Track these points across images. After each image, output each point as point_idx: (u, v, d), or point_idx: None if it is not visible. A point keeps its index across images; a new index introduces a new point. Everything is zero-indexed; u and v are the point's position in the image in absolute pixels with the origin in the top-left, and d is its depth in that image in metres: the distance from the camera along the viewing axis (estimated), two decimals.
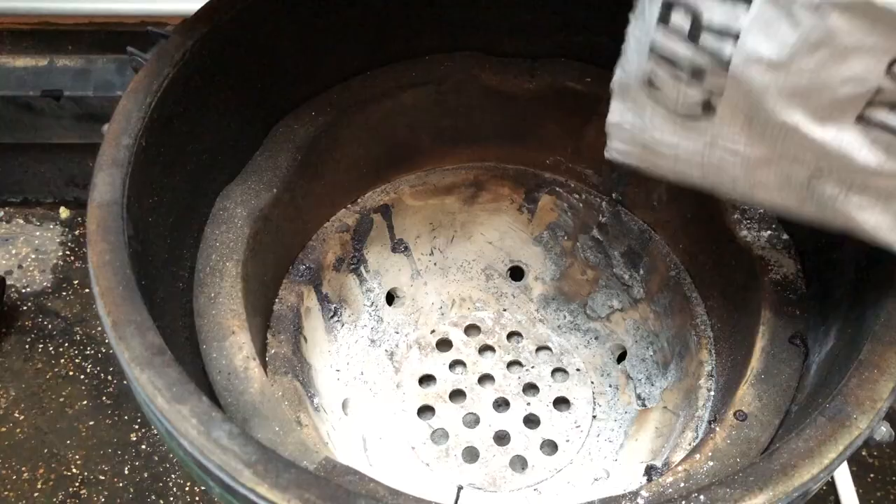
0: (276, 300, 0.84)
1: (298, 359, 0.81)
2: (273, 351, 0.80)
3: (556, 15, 0.86)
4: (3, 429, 1.13)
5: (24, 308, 1.26)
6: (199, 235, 0.74)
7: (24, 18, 1.27)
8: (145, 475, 1.09)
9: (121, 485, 1.08)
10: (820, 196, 0.54)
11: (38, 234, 1.36)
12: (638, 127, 0.58)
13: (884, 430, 0.54)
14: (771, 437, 0.64)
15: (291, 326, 0.82)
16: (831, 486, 1.07)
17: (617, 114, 0.59)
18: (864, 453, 1.13)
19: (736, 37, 0.48)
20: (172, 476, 1.09)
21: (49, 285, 1.29)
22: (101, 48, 1.27)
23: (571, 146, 0.91)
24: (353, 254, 0.93)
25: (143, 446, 1.12)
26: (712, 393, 0.79)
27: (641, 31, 0.53)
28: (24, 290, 1.29)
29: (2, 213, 1.38)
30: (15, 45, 1.28)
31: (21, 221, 1.38)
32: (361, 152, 0.89)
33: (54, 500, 1.07)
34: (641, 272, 0.91)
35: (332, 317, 0.91)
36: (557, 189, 0.96)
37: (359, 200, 0.94)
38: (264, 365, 0.77)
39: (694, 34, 0.50)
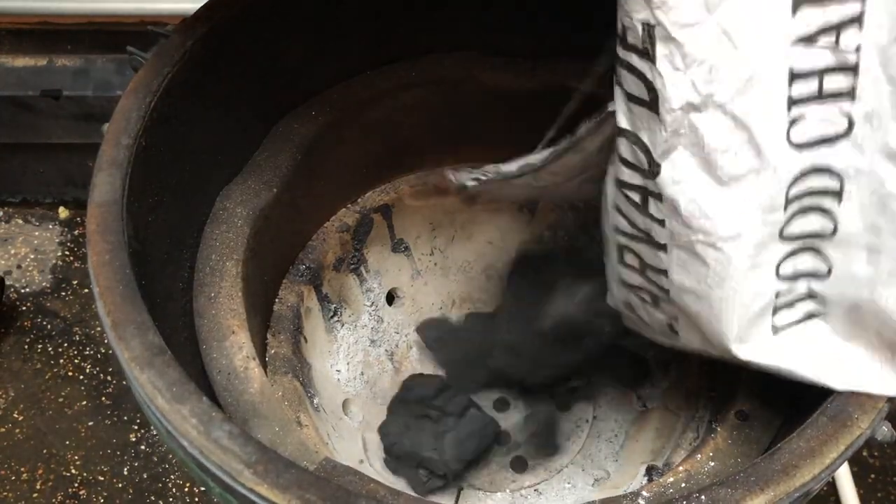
0: (276, 300, 0.84)
1: (298, 359, 0.81)
2: (273, 351, 0.80)
3: (556, 14, 0.86)
4: (3, 429, 1.13)
5: (24, 308, 1.26)
6: (199, 235, 0.74)
7: (24, 18, 1.27)
8: (145, 476, 1.09)
9: (120, 485, 1.08)
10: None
11: (37, 234, 1.36)
12: (636, 323, 0.67)
13: (885, 430, 0.54)
14: (772, 437, 0.64)
15: (291, 326, 0.82)
16: (832, 487, 1.07)
17: (615, 301, 0.68)
18: (865, 453, 1.13)
19: (665, 273, 0.57)
20: (172, 476, 1.09)
21: (48, 285, 1.29)
22: (101, 48, 1.27)
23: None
24: (353, 254, 0.93)
25: (143, 447, 1.12)
26: (713, 393, 0.79)
27: (611, 267, 0.64)
28: (23, 291, 1.28)
29: (1, 213, 1.38)
30: (14, 44, 1.28)
31: (20, 221, 1.38)
32: (361, 152, 0.89)
33: (53, 500, 1.07)
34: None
35: (332, 317, 0.91)
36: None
37: (359, 200, 0.94)
38: (264, 365, 0.77)
39: (642, 271, 0.59)
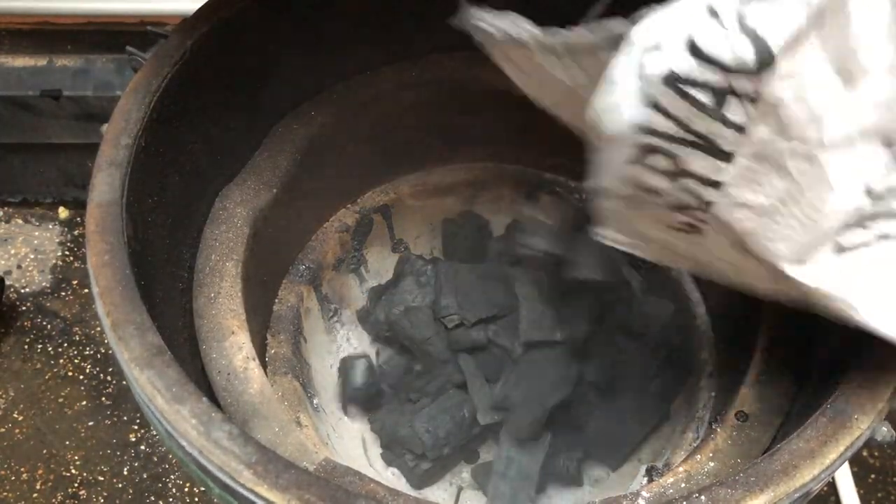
0: (276, 300, 0.84)
1: (298, 359, 0.81)
2: (273, 351, 0.80)
3: (557, 14, 0.85)
4: (2, 429, 1.13)
5: (23, 308, 1.26)
6: (198, 235, 0.74)
7: (24, 18, 1.26)
8: (144, 476, 1.09)
9: (120, 485, 1.08)
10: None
11: (37, 234, 1.36)
12: (625, 224, 0.57)
13: (885, 431, 0.54)
14: (772, 438, 0.64)
15: (291, 326, 0.82)
16: (832, 487, 1.07)
17: (602, 216, 0.58)
18: (865, 454, 1.13)
19: (717, 185, 0.48)
20: (172, 477, 1.09)
21: (48, 285, 1.29)
22: (101, 48, 1.27)
23: (572, 146, 0.91)
24: (353, 254, 0.93)
25: (143, 447, 1.12)
26: (713, 393, 0.79)
27: (608, 166, 0.52)
28: (23, 291, 1.28)
29: (1, 213, 1.38)
30: (14, 44, 1.28)
31: (20, 221, 1.38)
32: (361, 152, 0.89)
33: (53, 500, 1.07)
34: (642, 272, 0.91)
35: (332, 317, 0.91)
36: (557, 189, 0.96)
37: (359, 200, 0.94)
38: (264, 365, 0.77)
39: (674, 175, 0.49)
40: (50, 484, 1.08)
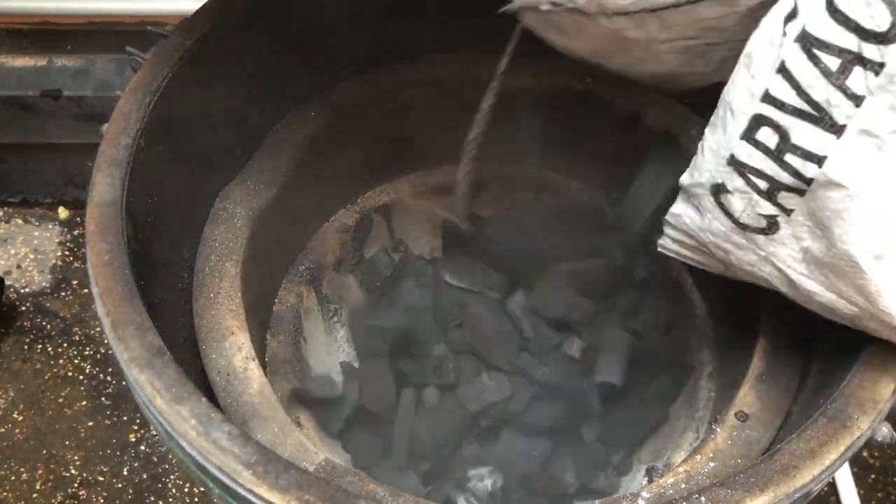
0: (276, 300, 0.84)
1: (298, 359, 0.81)
2: (272, 351, 0.80)
3: None
4: (2, 429, 1.13)
5: (23, 308, 1.26)
6: (198, 235, 0.73)
7: (24, 18, 1.26)
8: (144, 476, 1.09)
9: (120, 486, 1.08)
10: (864, 327, 0.55)
11: (36, 234, 1.36)
12: (696, 228, 0.59)
13: (885, 431, 0.54)
14: (772, 438, 0.64)
15: (291, 327, 0.82)
16: (832, 487, 1.07)
17: (679, 208, 0.60)
18: (865, 454, 1.13)
19: (820, 161, 0.48)
20: (171, 477, 1.09)
21: (48, 286, 1.29)
22: (101, 48, 1.27)
23: (572, 146, 0.91)
24: (353, 254, 0.93)
25: (143, 447, 1.12)
26: (713, 393, 0.79)
27: (720, 141, 0.54)
28: (22, 291, 1.28)
29: (1, 213, 1.38)
30: (14, 44, 1.28)
31: (20, 221, 1.38)
32: (361, 152, 0.89)
33: (53, 500, 1.07)
34: (643, 273, 0.91)
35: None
36: (557, 189, 0.96)
37: (359, 200, 0.94)
38: (263, 366, 0.77)
39: (779, 152, 0.50)
40: (50, 484, 1.08)
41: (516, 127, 0.91)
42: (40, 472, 1.09)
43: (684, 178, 0.58)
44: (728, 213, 0.55)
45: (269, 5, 0.75)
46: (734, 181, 0.53)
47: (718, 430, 0.64)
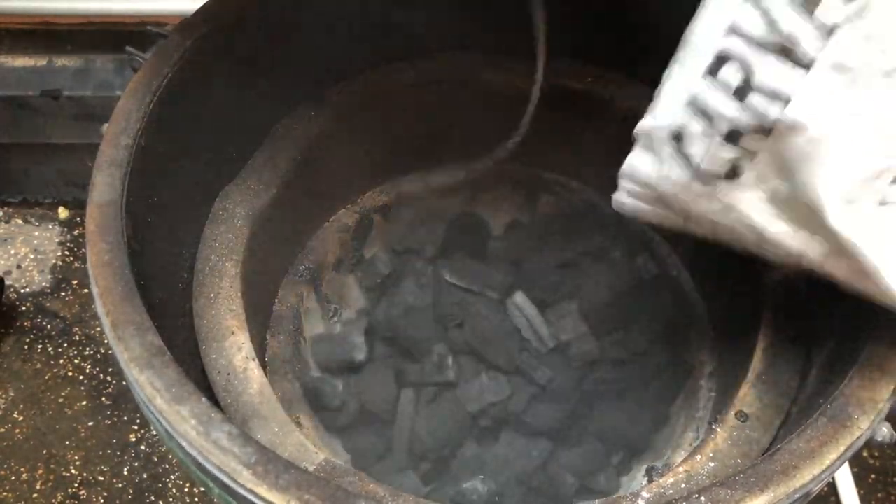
0: (276, 300, 0.84)
1: (298, 359, 0.81)
2: (272, 351, 0.80)
3: (557, 14, 0.85)
4: (2, 429, 1.13)
5: (23, 308, 1.26)
6: (198, 236, 0.73)
7: (24, 18, 1.26)
8: (144, 476, 1.09)
9: (120, 486, 1.08)
10: (831, 272, 0.52)
11: (36, 234, 1.36)
12: (654, 178, 0.55)
13: (885, 431, 0.54)
14: (772, 438, 0.64)
15: (291, 327, 0.82)
16: (832, 487, 1.07)
17: (636, 159, 0.56)
18: (865, 454, 1.13)
19: (786, 101, 0.45)
20: (172, 477, 1.09)
21: (48, 286, 1.29)
22: (101, 48, 1.27)
23: (572, 146, 0.91)
24: (353, 254, 0.93)
25: (143, 447, 1.12)
26: (713, 393, 0.79)
27: (681, 80, 0.51)
28: (22, 291, 1.28)
29: (1, 213, 1.38)
30: (14, 44, 1.28)
31: (20, 221, 1.38)
32: (361, 152, 0.89)
33: (53, 500, 1.07)
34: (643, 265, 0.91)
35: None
36: (557, 189, 0.96)
37: (359, 200, 0.94)
38: (264, 365, 0.77)
39: (742, 92, 0.47)
40: (50, 484, 1.08)
41: (515, 127, 0.92)
42: (40, 472, 1.09)
43: (641, 124, 0.54)
44: (688, 160, 0.52)
45: (269, 5, 0.75)
46: (694, 124, 0.50)
47: (718, 430, 0.64)
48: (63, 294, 1.28)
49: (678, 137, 0.52)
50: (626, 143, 0.87)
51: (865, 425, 0.52)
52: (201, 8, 0.72)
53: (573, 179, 0.95)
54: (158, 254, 0.66)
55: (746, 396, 0.66)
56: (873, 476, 1.11)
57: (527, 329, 0.87)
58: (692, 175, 0.52)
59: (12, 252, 1.33)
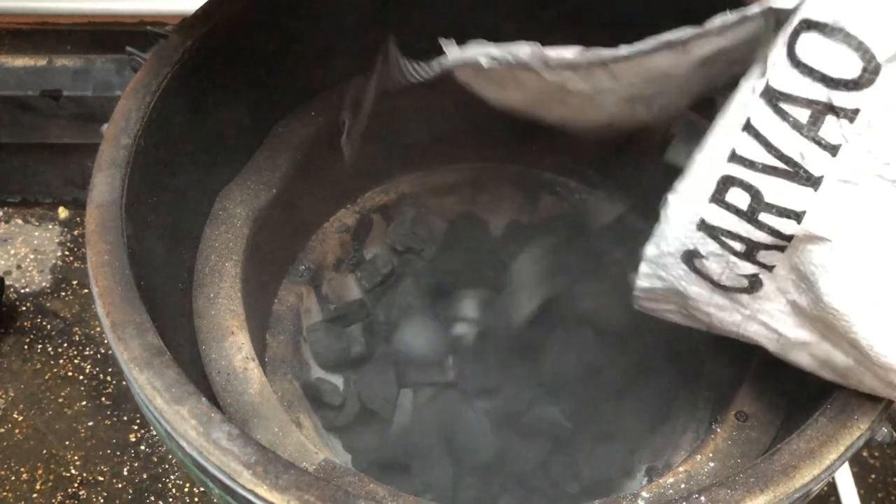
0: (276, 301, 0.84)
1: (298, 359, 0.81)
2: (272, 352, 0.80)
3: (557, 14, 0.86)
4: (2, 429, 1.13)
5: (23, 308, 1.26)
6: (198, 235, 0.73)
7: (24, 18, 1.26)
8: (144, 476, 1.09)
9: (120, 486, 1.08)
10: (858, 383, 0.53)
11: (36, 234, 1.36)
12: (672, 292, 0.56)
13: (885, 431, 0.54)
14: (772, 438, 0.64)
15: (291, 327, 0.82)
16: (832, 487, 1.07)
17: (647, 281, 0.57)
18: (865, 454, 1.13)
19: (798, 217, 0.47)
20: (171, 477, 1.09)
21: (48, 286, 1.29)
22: (101, 48, 1.27)
23: (572, 146, 0.91)
24: (353, 254, 0.93)
25: (143, 447, 1.12)
26: (713, 393, 0.79)
27: (686, 206, 0.52)
28: (22, 291, 1.28)
29: (1, 213, 1.38)
30: (14, 44, 1.28)
31: (20, 221, 1.38)
32: (361, 152, 0.89)
33: (53, 500, 1.07)
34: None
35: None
36: (557, 189, 0.96)
37: (359, 200, 0.94)
38: (263, 365, 0.77)
39: (752, 212, 0.48)
40: (50, 484, 1.08)
41: (514, 127, 0.92)
42: (40, 472, 1.09)
43: (649, 250, 0.55)
44: (706, 277, 0.53)
45: (269, 6, 0.75)
46: (707, 245, 0.51)
47: (718, 430, 0.64)
48: (63, 294, 1.28)
49: (691, 258, 0.53)
50: (626, 143, 0.87)
51: (865, 425, 0.52)
52: (201, 8, 0.72)
53: (573, 180, 0.95)
54: (158, 254, 0.66)
55: (746, 396, 0.66)
56: (873, 476, 1.11)
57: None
58: (712, 290, 0.54)
59: (12, 252, 1.33)
